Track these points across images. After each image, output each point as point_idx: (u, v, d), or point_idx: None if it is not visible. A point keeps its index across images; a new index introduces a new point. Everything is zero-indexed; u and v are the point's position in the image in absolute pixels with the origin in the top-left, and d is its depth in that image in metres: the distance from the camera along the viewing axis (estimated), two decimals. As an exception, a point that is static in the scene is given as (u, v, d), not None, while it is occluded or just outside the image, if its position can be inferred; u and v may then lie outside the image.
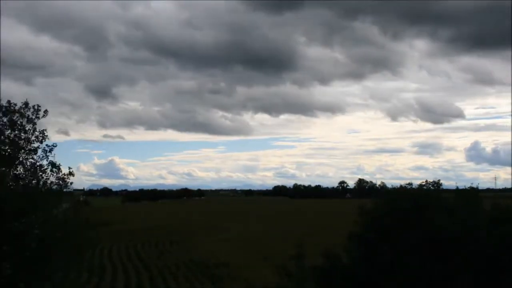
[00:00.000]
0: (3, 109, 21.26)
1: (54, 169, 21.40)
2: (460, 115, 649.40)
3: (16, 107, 21.44)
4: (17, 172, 21.21)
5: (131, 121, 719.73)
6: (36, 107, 21.60)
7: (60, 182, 21.64)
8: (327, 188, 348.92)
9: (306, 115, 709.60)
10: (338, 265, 30.41)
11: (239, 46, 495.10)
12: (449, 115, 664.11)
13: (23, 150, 21.19)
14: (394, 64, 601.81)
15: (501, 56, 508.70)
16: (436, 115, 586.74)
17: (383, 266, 27.65)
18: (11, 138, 21.05)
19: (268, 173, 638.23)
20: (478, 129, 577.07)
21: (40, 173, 21.27)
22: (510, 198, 46.36)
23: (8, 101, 21.45)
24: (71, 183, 21.92)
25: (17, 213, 20.03)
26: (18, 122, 21.27)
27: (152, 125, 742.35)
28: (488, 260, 26.13)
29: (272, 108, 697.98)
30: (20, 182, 21.06)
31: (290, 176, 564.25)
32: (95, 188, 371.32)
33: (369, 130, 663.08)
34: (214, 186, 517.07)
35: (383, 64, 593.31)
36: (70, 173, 21.76)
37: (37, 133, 21.55)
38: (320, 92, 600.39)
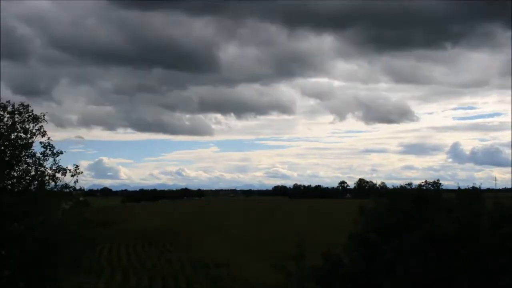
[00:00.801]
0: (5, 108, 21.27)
1: (61, 172, 21.44)
2: (408, 114, 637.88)
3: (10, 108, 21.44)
4: (17, 174, 21.18)
5: (86, 122, 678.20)
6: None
7: (65, 184, 21.65)
8: (327, 188, 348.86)
9: (261, 113, 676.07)
10: (338, 265, 30.41)
11: (148, 46, 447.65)
12: (396, 114, 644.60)
13: (24, 152, 21.17)
14: (317, 64, 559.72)
15: (414, 56, 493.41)
16: (381, 113, 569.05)
17: (383, 266, 27.64)
18: (12, 140, 21.03)
19: (259, 173, 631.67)
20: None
21: (46, 179, 21.27)
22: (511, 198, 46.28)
23: (8, 101, 21.48)
24: (76, 182, 21.89)
25: (18, 214, 20.01)
26: (19, 122, 21.28)
27: (109, 125, 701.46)
28: (488, 260, 26.10)
29: (221, 107, 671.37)
30: (23, 182, 21.02)
31: (281, 176, 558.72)
32: (95, 188, 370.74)
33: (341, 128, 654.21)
34: (211, 186, 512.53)
35: (307, 63, 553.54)
36: (77, 172, 21.71)
37: (39, 135, 21.57)
38: (259, 92, 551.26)
